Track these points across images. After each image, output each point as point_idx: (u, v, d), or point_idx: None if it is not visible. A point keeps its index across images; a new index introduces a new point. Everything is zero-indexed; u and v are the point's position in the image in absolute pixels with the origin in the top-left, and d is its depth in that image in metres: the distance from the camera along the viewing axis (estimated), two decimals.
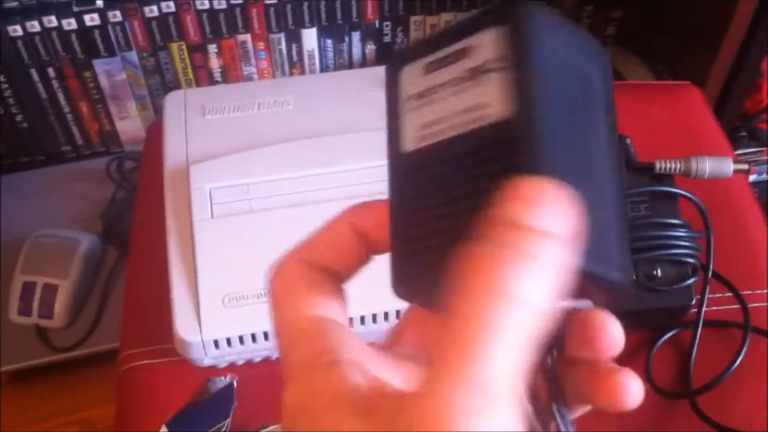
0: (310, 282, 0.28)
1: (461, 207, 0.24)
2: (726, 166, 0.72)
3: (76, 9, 1.26)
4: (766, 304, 0.74)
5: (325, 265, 0.29)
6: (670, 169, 0.72)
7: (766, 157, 1.37)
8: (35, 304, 1.20)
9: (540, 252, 0.21)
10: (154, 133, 0.88)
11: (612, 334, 0.27)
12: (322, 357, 0.25)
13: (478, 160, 0.24)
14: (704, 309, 0.69)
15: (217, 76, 1.40)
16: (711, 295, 0.71)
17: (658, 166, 0.72)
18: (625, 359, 0.32)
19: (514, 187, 0.22)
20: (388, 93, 0.27)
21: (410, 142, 0.26)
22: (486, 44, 0.24)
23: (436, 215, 0.25)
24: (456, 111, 0.25)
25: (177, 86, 1.40)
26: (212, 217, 0.72)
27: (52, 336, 1.23)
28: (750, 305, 0.71)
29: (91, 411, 1.24)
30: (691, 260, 0.70)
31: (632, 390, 0.27)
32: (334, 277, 0.29)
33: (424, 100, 0.26)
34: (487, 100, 0.24)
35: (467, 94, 0.25)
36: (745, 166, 0.73)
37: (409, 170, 0.26)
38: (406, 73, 0.27)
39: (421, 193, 0.25)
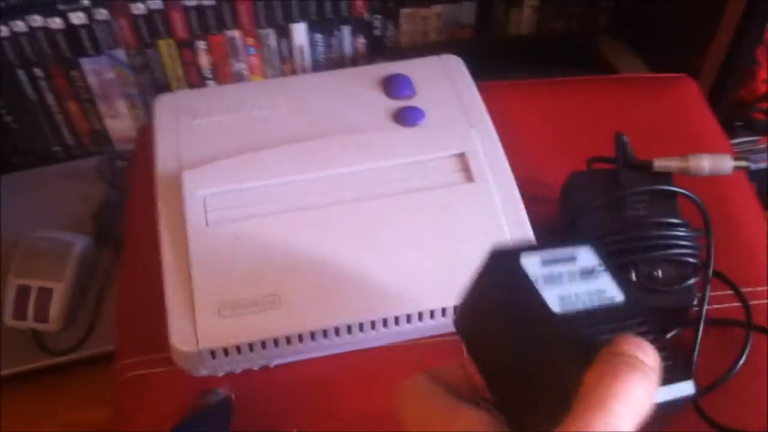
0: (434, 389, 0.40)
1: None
2: (725, 163, 0.71)
3: (61, 8, 1.24)
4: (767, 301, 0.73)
5: (446, 382, 0.41)
6: (669, 167, 0.71)
7: (762, 146, 1.36)
8: (30, 308, 1.19)
9: (645, 371, 0.34)
10: (144, 136, 0.86)
11: None
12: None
13: (612, 321, 0.38)
14: (706, 308, 0.69)
15: (207, 73, 1.39)
16: (712, 294, 0.70)
17: (656, 164, 0.72)
18: None
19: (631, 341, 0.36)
20: (502, 272, 0.39)
21: (555, 306, 0.38)
22: (586, 255, 0.41)
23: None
24: (585, 291, 0.39)
25: (166, 84, 1.39)
26: (207, 224, 0.71)
27: (48, 340, 1.22)
28: (752, 303, 0.71)
29: (86, 414, 1.23)
30: (691, 260, 0.69)
31: None
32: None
33: (553, 283, 0.39)
34: (605, 288, 0.40)
35: (590, 283, 0.40)
36: (745, 163, 0.72)
37: (563, 326, 0.37)
38: (524, 260, 0.39)
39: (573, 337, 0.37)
